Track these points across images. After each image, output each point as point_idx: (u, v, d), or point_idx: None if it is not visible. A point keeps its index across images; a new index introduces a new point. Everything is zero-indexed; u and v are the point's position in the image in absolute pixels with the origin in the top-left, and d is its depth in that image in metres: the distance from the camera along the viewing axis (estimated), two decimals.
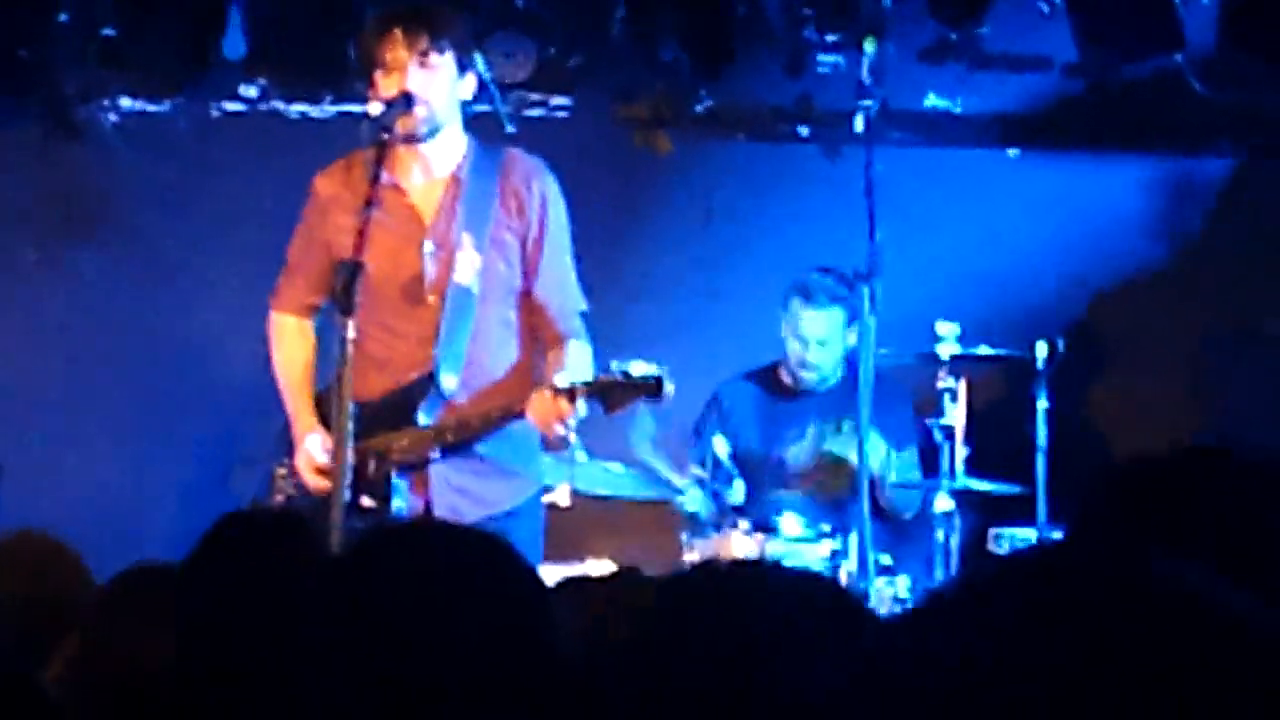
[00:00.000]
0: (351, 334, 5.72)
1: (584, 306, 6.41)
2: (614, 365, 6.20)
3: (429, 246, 6.23)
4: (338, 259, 6.19)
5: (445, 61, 6.20)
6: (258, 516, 4.13)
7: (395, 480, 6.21)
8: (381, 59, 6.19)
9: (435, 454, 6.28)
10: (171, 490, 7.87)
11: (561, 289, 6.38)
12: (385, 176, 6.02)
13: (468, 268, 6.33)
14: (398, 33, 6.18)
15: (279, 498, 6.54)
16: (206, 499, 7.05)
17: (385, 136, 5.97)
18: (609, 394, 6.11)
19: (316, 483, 6.26)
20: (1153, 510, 2.68)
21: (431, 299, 6.22)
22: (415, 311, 6.18)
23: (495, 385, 6.35)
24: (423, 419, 6.25)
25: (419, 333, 6.25)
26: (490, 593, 2.65)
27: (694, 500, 7.66)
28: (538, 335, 6.35)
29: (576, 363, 6.21)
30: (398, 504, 6.25)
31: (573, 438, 6.28)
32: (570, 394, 6.02)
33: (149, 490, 8.00)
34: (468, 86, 6.31)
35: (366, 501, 6.13)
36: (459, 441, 6.28)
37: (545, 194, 6.36)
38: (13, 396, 8.36)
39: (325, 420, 6.36)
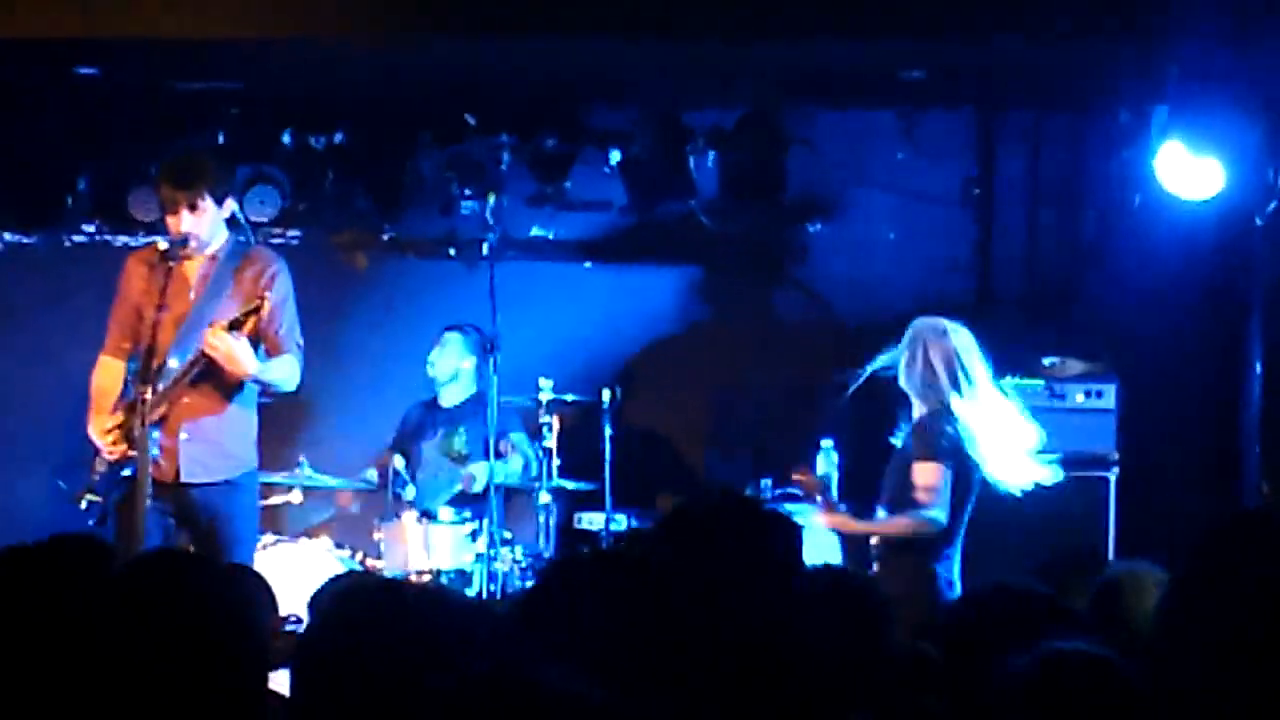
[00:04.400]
0: (148, 397, 7.26)
1: (300, 341, 7.59)
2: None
3: (190, 295, 7.56)
4: (141, 313, 7.56)
5: (208, 204, 7.53)
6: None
7: (151, 433, 7.30)
8: (164, 204, 7.63)
9: (166, 408, 7.40)
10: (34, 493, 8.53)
11: (284, 330, 7.62)
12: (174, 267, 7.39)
13: (207, 308, 7.55)
14: (171, 188, 7.50)
15: (95, 477, 7.48)
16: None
17: (171, 265, 7.40)
18: (236, 325, 7.33)
19: (107, 442, 7.47)
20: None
21: (175, 322, 7.52)
22: (169, 328, 7.46)
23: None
24: (161, 386, 7.38)
25: (165, 342, 7.45)
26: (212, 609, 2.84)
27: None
28: (270, 354, 7.54)
29: (281, 364, 7.52)
30: (153, 451, 7.31)
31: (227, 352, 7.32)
32: (225, 327, 7.21)
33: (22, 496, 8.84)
34: (226, 210, 7.62)
35: (132, 452, 7.27)
36: (175, 391, 7.43)
37: (274, 271, 7.63)
38: None
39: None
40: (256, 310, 7.34)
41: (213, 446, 7.65)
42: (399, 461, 9.04)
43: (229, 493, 7.60)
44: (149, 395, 7.30)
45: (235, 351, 7.37)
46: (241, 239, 7.82)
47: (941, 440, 7.04)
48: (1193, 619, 3.05)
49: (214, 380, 7.57)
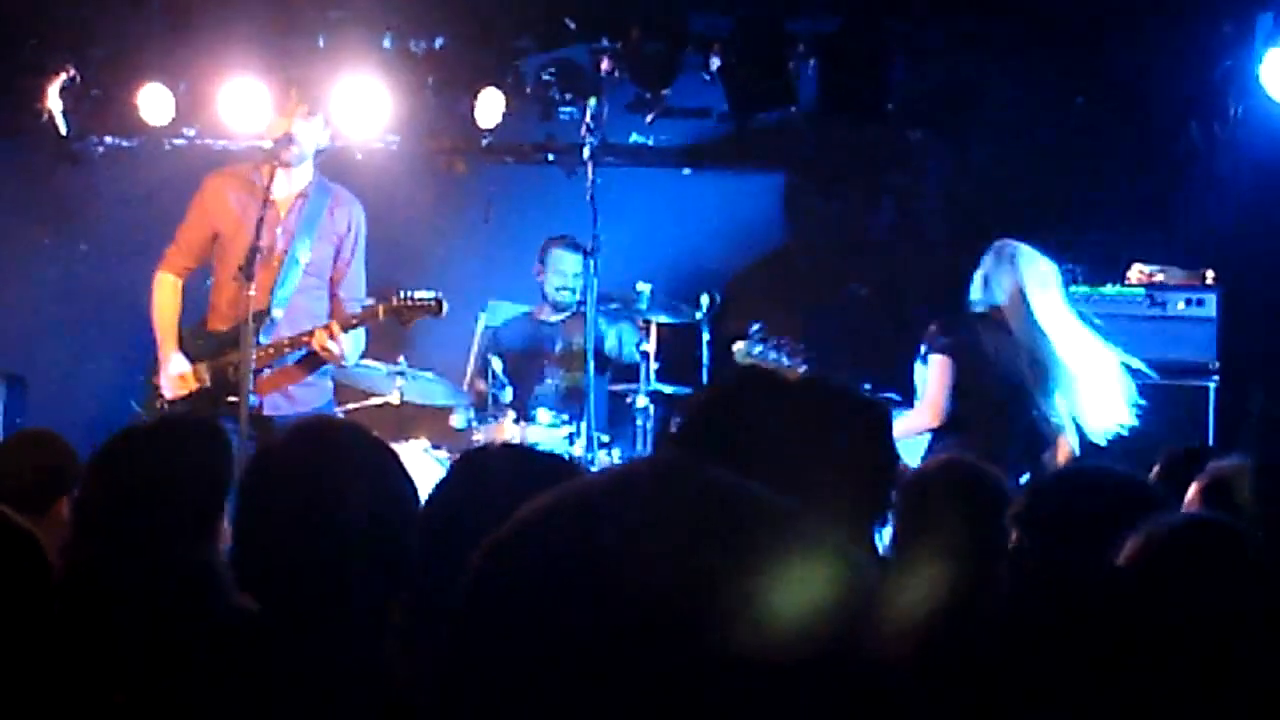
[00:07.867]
0: (253, 292, 7.26)
1: (363, 298, 7.92)
2: (402, 293, 7.64)
3: (280, 230, 7.77)
4: (217, 233, 7.79)
5: (317, 119, 7.86)
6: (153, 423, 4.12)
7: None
8: (279, 107, 7.91)
9: (266, 366, 7.70)
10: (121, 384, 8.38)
11: (354, 286, 7.95)
12: (266, 182, 7.57)
13: (301, 249, 7.82)
14: (295, 93, 7.88)
15: (158, 404, 7.85)
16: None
17: (276, 160, 7.60)
18: (401, 313, 7.62)
19: (176, 390, 7.77)
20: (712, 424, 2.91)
21: (275, 262, 7.75)
22: (264, 270, 7.59)
23: (305, 323, 7.80)
24: (262, 339, 7.66)
25: (264, 284, 7.62)
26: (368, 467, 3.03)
27: (461, 415, 9.05)
28: (332, 312, 7.87)
29: (358, 343, 7.86)
30: (251, 398, 7.44)
31: (341, 353, 7.66)
32: (346, 326, 7.54)
33: (111, 387, 8.77)
34: (325, 134, 7.95)
35: (231, 398, 7.48)
36: (277, 356, 7.74)
37: (355, 219, 7.91)
38: (29, 333, 9.66)
39: (183, 348, 7.82)
40: (373, 315, 7.61)
41: (294, 378, 7.88)
42: (497, 364, 9.02)
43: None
44: (253, 345, 7.43)
45: (345, 351, 7.69)
46: (324, 181, 7.97)
47: (946, 337, 7.62)
48: None
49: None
